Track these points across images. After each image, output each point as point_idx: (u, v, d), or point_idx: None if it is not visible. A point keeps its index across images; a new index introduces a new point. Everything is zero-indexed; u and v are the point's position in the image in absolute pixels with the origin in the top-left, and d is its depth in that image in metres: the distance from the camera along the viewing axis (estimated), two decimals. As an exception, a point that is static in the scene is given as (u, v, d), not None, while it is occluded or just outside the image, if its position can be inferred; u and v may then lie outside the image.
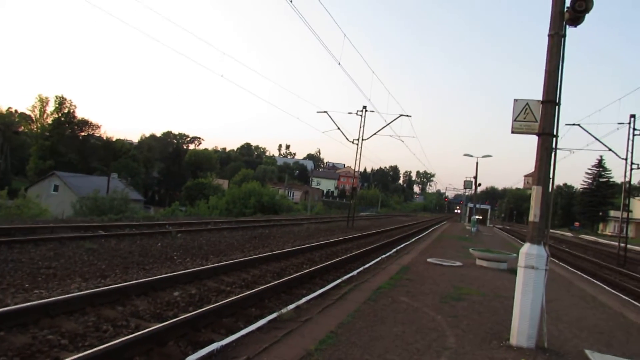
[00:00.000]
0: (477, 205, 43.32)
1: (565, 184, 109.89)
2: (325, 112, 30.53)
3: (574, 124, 24.83)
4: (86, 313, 6.05)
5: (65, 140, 73.70)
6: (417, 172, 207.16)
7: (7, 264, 8.68)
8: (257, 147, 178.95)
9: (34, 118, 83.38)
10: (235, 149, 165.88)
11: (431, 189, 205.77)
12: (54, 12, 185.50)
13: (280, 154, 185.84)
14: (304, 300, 7.15)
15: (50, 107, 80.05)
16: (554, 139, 5.56)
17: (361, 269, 11.22)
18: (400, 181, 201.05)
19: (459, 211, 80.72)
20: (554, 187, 5.73)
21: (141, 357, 4.74)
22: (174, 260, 11.10)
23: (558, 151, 5.84)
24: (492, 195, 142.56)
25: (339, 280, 9.26)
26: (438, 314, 6.66)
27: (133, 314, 6.28)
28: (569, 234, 63.22)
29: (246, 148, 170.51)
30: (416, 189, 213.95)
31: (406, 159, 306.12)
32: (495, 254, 13.79)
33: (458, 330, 5.88)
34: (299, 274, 9.94)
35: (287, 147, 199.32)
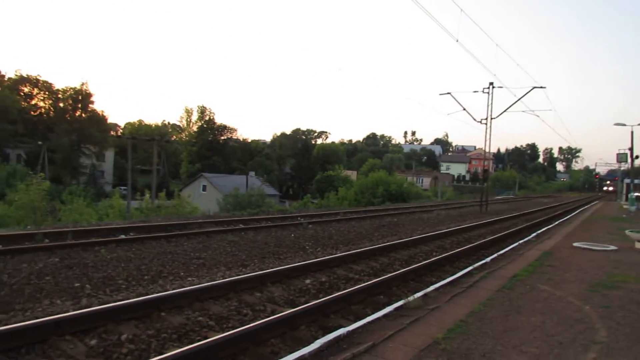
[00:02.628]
0: (636, 181, 37.56)
1: None
2: (448, 93, 29.25)
3: None
4: (229, 298, 6.71)
5: (208, 145, 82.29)
6: (560, 149, 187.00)
7: (166, 256, 10.00)
8: (382, 136, 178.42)
9: (182, 127, 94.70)
10: (361, 139, 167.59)
11: (578, 165, 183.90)
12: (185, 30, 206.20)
13: (406, 141, 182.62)
14: (432, 288, 6.99)
15: (194, 117, 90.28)
16: None
17: (495, 255, 10.56)
18: (540, 159, 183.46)
19: (611, 188, 70.70)
20: None
21: (276, 339, 5.11)
22: (306, 250, 11.67)
23: None
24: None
25: (470, 268, 8.85)
26: (586, 304, 5.98)
27: (269, 299, 6.79)
28: None
29: (371, 138, 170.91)
30: (559, 166, 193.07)
31: (545, 135, 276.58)
32: (661, 236, 11.87)
33: (611, 322, 5.21)
34: (427, 261, 9.73)
35: (413, 133, 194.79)
